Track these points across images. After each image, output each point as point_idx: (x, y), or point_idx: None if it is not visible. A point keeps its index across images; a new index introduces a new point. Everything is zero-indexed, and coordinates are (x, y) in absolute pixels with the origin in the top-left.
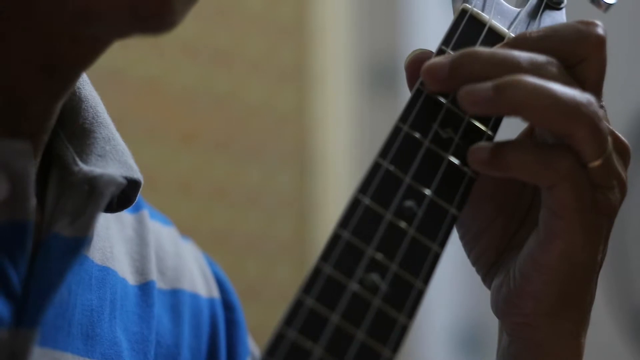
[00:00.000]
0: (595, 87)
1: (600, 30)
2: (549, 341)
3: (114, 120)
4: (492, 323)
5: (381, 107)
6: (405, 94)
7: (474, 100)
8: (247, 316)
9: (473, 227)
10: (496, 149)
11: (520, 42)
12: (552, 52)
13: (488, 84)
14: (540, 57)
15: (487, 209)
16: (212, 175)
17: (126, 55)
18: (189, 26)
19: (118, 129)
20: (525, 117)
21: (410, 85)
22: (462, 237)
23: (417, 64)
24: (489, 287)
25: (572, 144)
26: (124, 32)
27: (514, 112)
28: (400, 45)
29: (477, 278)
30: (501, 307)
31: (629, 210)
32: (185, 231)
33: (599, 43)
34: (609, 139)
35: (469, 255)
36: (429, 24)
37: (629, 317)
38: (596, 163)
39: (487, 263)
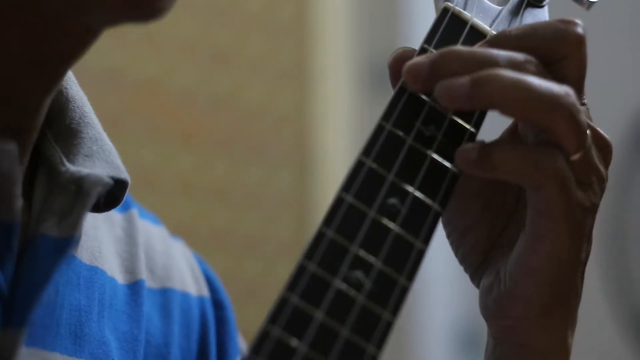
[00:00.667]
0: (575, 85)
1: (579, 29)
2: (537, 343)
3: (113, 120)
4: None
5: (381, 106)
6: None
7: (451, 96)
8: (247, 316)
9: (459, 225)
10: (484, 149)
11: (501, 40)
12: (531, 51)
13: (465, 79)
14: (519, 56)
15: (473, 207)
16: (212, 175)
17: (125, 55)
18: (188, 26)
19: (117, 129)
20: (503, 111)
21: (394, 83)
22: (449, 236)
23: (399, 62)
24: (477, 286)
25: (551, 136)
26: (115, 19)
27: (492, 106)
28: (400, 45)
29: None
30: (491, 308)
31: (629, 210)
32: (185, 231)
33: (578, 42)
34: (589, 133)
35: (456, 254)
36: (428, 24)
37: (629, 317)
38: (575, 157)
39: (475, 261)
